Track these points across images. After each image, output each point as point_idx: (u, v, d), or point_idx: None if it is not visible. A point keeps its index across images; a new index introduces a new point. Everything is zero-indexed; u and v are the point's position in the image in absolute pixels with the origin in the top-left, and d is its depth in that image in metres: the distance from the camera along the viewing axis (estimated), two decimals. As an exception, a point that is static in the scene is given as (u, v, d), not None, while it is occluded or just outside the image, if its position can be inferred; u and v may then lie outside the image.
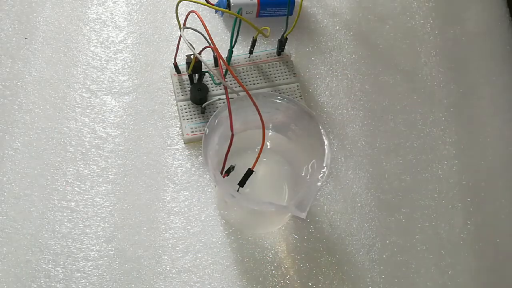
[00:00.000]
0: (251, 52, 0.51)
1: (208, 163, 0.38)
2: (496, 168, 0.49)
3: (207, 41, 0.42)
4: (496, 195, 0.47)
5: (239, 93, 0.42)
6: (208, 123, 0.40)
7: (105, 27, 0.53)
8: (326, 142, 0.39)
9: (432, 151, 0.49)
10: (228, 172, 0.40)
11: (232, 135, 0.38)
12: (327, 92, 0.51)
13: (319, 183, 0.38)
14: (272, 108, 0.41)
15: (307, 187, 0.38)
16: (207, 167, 0.38)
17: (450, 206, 0.47)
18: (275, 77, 0.50)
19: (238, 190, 0.39)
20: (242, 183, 0.39)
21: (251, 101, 0.38)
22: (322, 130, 0.39)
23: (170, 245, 0.44)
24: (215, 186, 0.43)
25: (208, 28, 0.40)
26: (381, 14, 0.56)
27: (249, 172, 0.39)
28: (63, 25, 0.53)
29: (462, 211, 0.46)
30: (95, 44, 0.52)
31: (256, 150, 0.39)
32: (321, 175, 0.38)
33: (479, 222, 0.46)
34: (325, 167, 0.38)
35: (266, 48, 0.52)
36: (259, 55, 0.51)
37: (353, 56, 0.53)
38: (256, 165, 0.39)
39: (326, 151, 0.39)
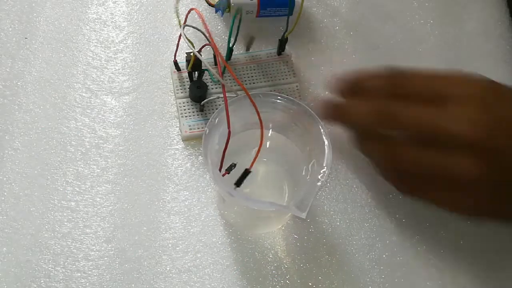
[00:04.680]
0: (247, 49, 0.51)
1: (208, 162, 0.38)
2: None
3: (207, 39, 0.42)
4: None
5: (238, 92, 0.42)
6: (208, 122, 0.40)
7: (105, 27, 0.53)
8: (326, 142, 0.39)
9: (432, 151, 0.49)
10: (229, 170, 0.40)
11: (229, 132, 0.38)
12: (327, 92, 0.51)
13: (319, 183, 0.38)
14: (272, 108, 0.41)
15: (307, 187, 0.38)
16: (207, 167, 0.38)
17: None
18: (275, 76, 0.50)
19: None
20: (238, 183, 0.39)
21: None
22: (322, 130, 0.39)
23: (170, 245, 0.44)
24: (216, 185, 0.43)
25: (208, 27, 0.40)
26: (381, 14, 0.56)
27: (246, 172, 0.39)
28: (63, 25, 0.53)
29: (462, 211, 0.46)
30: (95, 44, 0.52)
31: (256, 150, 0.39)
32: (321, 175, 0.38)
33: (479, 222, 0.46)
34: (325, 167, 0.38)
35: (266, 47, 0.52)
36: (259, 55, 0.51)
37: (353, 56, 0.53)
38: (255, 165, 0.39)
39: (326, 151, 0.39)
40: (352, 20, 0.55)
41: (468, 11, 0.56)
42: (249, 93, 0.38)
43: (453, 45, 0.54)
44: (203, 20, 0.40)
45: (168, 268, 0.43)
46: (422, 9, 0.56)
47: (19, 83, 0.50)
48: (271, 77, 0.50)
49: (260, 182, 0.44)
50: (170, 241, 0.44)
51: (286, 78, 0.50)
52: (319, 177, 0.38)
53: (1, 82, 0.50)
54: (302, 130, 0.41)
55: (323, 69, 0.52)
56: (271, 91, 0.50)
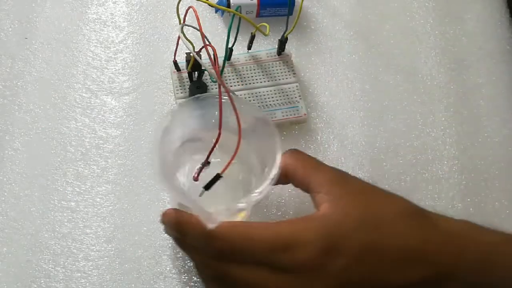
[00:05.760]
0: (249, 47, 0.51)
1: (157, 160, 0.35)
2: (496, 168, 0.49)
3: (206, 40, 0.41)
4: (496, 195, 0.47)
5: (235, 92, 0.42)
6: (171, 111, 0.37)
7: (105, 27, 0.53)
8: (277, 159, 0.35)
9: (432, 151, 0.49)
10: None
11: (219, 134, 0.35)
12: (327, 92, 0.51)
13: (240, 205, 0.34)
14: (229, 113, 0.38)
15: (246, 200, 0.35)
16: (155, 163, 0.35)
17: (450, 206, 0.47)
18: (275, 76, 0.50)
19: (201, 195, 0.37)
20: (208, 187, 0.37)
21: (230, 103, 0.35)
22: (278, 145, 0.36)
23: (170, 245, 0.44)
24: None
25: (208, 27, 0.40)
26: (381, 14, 0.56)
27: (217, 176, 0.37)
28: (63, 25, 0.53)
29: (462, 211, 0.46)
30: (95, 44, 0.52)
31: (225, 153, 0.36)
32: (255, 194, 0.33)
33: (479, 222, 0.46)
34: (257, 193, 0.33)
35: (266, 47, 0.52)
36: (259, 55, 0.51)
37: (353, 56, 0.53)
38: (217, 165, 0.36)
39: (273, 170, 0.34)
40: (352, 20, 0.55)
41: (468, 11, 0.56)
42: (232, 97, 0.35)
43: (453, 45, 0.54)
44: (198, 21, 0.39)
45: (168, 268, 0.43)
46: (422, 9, 0.56)
47: (19, 83, 0.50)
48: (271, 77, 0.50)
49: (217, 184, 0.38)
50: (170, 241, 0.44)
51: (286, 78, 0.50)
52: (253, 195, 0.34)
53: (1, 82, 0.50)
54: (260, 140, 0.38)
55: (323, 69, 0.52)
56: (271, 91, 0.50)
